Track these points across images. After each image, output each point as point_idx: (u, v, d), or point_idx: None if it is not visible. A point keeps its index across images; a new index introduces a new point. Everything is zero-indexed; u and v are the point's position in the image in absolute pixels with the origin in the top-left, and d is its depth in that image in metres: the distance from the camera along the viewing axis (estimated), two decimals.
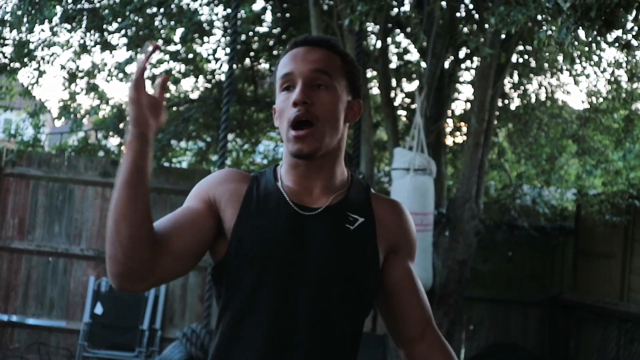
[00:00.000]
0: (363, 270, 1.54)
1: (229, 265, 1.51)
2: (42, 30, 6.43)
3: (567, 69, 6.37)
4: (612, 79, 6.14)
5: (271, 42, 7.22)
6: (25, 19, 6.07)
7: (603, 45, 4.64)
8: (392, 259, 1.60)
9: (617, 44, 3.15)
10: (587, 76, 6.37)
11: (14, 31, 6.30)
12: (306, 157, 1.53)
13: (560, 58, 5.51)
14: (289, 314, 1.47)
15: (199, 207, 1.53)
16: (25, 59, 6.54)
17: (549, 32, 2.89)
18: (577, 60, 5.90)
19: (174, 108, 7.51)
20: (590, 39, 2.90)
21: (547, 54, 5.38)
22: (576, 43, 2.96)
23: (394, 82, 7.01)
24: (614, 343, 6.26)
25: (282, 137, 1.58)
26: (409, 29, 5.92)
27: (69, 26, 6.48)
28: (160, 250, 1.42)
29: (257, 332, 1.47)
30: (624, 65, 5.72)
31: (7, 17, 6.13)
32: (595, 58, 5.84)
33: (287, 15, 6.88)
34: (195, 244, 1.49)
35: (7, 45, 6.39)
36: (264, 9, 7.19)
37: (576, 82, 6.46)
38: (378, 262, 1.57)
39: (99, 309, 6.44)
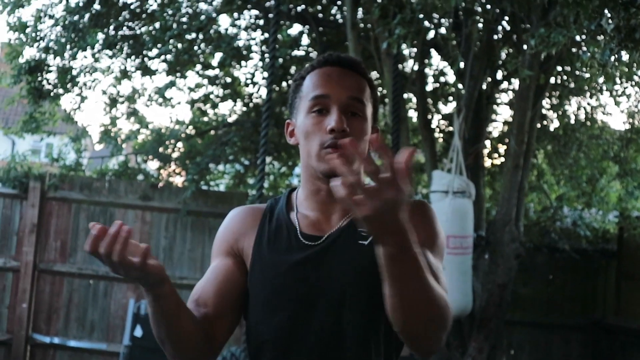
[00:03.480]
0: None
1: (248, 303, 1.54)
2: (85, 56, 6.59)
3: (607, 90, 6.30)
4: None
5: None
6: (68, 46, 6.21)
7: None
8: None
9: None
10: (628, 96, 6.28)
11: (58, 58, 6.45)
12: (337, 176, 1.28)
13: (601, 79, 5.45)
14: (301, 349, 1.47)
15: (227, 263, 1.56)
16: (68, 85, 6.68)
17: (592, 51, 2.86)
18: (618, 81, 5.83)
19: (212, 132, 7.58)
20: (634, 59, 2.87)
21: (587, 74, 5.33)
22: (617, 64, 2.93)
23: (430, 104, 7.01)
24: None
25: (305, 159, 1.55)
26: (446, 51, 5.92)
27: (110, 52, 6.63)
28: (213, 328, 1.49)
29: None
30: None
31: (51, 44, 6.29)
32: (637, 78, 5.76)
33: (324, 38, 6.93)
34: (239, 298, 1.54)
35: (51, 71, 6.54)
36: (301, 33, 7.25)
37: (617, 103, 6.38)
38: None
39: (138, 332, 6.49)
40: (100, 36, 6.33)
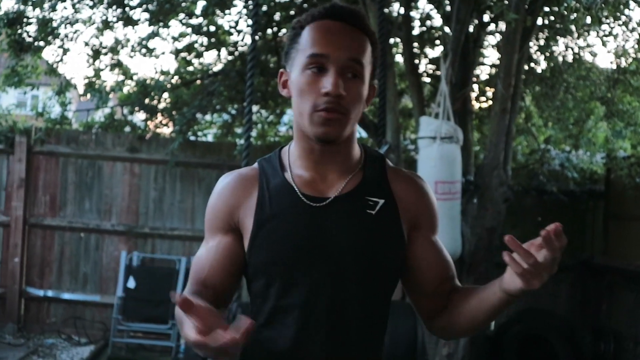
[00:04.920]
0: (390, 254, 1.51)
1: (252, 269, 1.52)
2: (65, 7, 6.44)
3: (595, 30, 6.24)
4: None
5: (293, 12, 7.16)
6: None
7: (632, 4, 4.54)
8: (414, 236, 1.56)
9: None
10: (615, 36, 6.23)
11: (37, 9, 6.32)
12: (331, 142, 1.47)
13: (588, 20, 5.40)
14: (312, 310, 1.46)
15: (228, 241, 1.53)
16: (49, 37, 6.56)
17: None
18: (605, 21, 5.77)
19: (198, 82, 7.50)
20: (619, 2, 2.84)
21: (574, 15, 5.28)
22: (604, 5, 2.89)
23: (417, 49, 6.94)
24: None
25: (296, 116, 1.50)
26: None
27: (90, 2, 6.48)
28: (219, 300, 1.51)
29: (285, 330, 1.48)
30: None
31: None
32: (624, 18, 5.71)
33: None
34: (240, 268, 1.54)
35: (31, 24, 6.41)
36: None
37: (604, 43, 6.33)
38: (404, 242, 1.54)
39: (131, 283, 6.54)
40: None
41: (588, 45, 6.66)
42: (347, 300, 1.47)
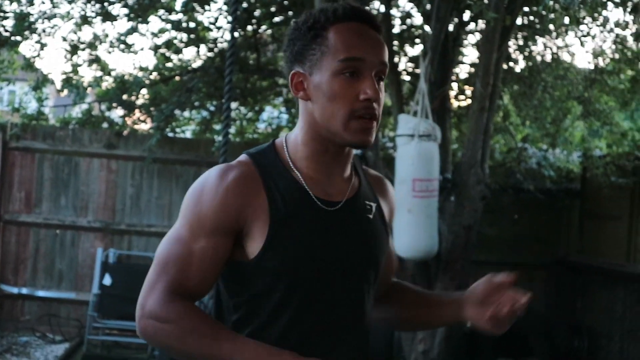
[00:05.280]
0: (384, 256, 1.56)
1: (261, 271, 1.42)
2: (42, 2, 6.39)
3: (572, 30, 6.29)
4: (618, 39, 6.07)
5: (273, 9, 7.14)
6: None
7: (609, 5, 4.59)
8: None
9: (624, 6, 3.10)
10: (593, 37, 6.29)
11: (14, 3, 6.25)
12: (366, 148, 1.50)
13: (566, 20, 5.44)
14: (330, 319, 1.45)
15: (224, 244, 1.41)
16: (27, 32, 6.49)
17: None
18: (583, 21, 5.83)
19: (177, 78, 7.46)
20: (597, 1, 2.86)
21: (552, 15, 5.31)
22: (582, 6, 2.92)
23: (397, 47, 6.95)
24: (620, 304, 6.29)
25: (322, 119, 1.43)
26: None
27: None
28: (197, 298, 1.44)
29: (301, 337, 1.43)
30: (630, 25, 5.65)
31: None
32: (601, 19, 5.76)
33: None
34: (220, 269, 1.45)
35: (7, 18, 6.34)
36: None
37: (582, 43, 6.38)
38: (389, 241, 1.61)
39: (107, 280, 6.49)
40: None
41: (566, 45, 6.72)
42: (358, 303, 1.49)
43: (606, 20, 5.78)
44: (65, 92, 7.39)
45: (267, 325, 1.42)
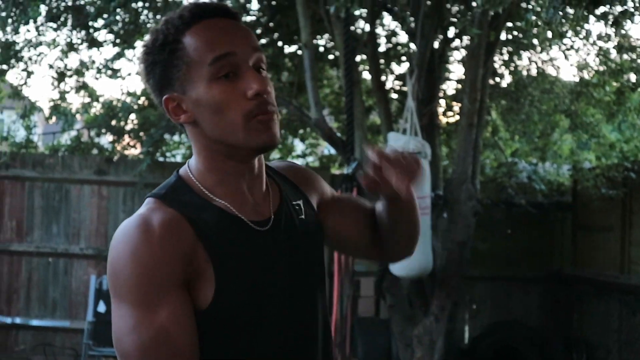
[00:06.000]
0: (322, 248, 1.45)
1: (220, 316, 1.23)
2: (28, 30, 6.39)
3: (556, 44, 6.35)
4: (602, 52, 6.13)
5: (259, 31, 7.18)
6: (9, 20, 6.02)
7: (591, 19, 4.63)
8: (324, 209, 1.49)
9: (605, 19, 3.13)
10: (577, 50, 6.35)
11: None
12: (273, 148, 1.32)
13: (549, 34, 5.48)
14: (294, 333, 1.33)
15: (187, 298, 1.20)
16: (13, 60, 6.49)
17: (537, 10, 2.87)
18: (566, 35, 5.88)
19: None
20: (578, 16, 2.89)
21: (535, 30, 5.36)
22: (564, 20, 2.94)
23: (384, 65, 6.99)
24: (616, 315, 6.29)
25: (217, 136, 1.26)
26: (396, 11, 5.88)
27: (54, 25, 6.43)
28: None
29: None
30: (612, 37, 5.70)
31: None
32: (584, 32, 5.81)
33: (273, 3, 6.83)
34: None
35: None
36: None
37: (566, 57, 6.44)
38: (324, 229, 1.48)
39: (102, 307, 6.44)
40: (43, 8, 6.14)
41: (551, 59, 6.78)
42: (315, 310, 1.38)
43: (589, 33, 5.84)
44: (54, 119, 7.38)
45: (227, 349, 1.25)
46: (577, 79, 6.74)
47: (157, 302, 1.16)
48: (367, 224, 1.54)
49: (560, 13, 2.55)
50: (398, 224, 1.50)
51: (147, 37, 1.29)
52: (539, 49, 6.48)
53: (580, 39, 5.98)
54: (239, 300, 1.24)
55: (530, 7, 3.11)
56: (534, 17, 2.69)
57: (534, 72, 6.82)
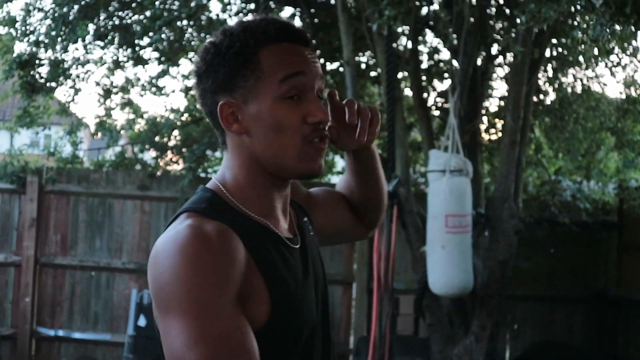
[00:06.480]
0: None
1: (274, 336, 1.20)
2: (76, 48, 6.54)
3: (602, 61, 6.26)
4: None
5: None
6: (59, 39, 6.18)
7: (639, 35, 4.55)
8: (318, 216, 1.52)
9: None
10: (624, 67, 6.25)
11: (49, 51, 6.41)
12: (317, 177, 1.32)
13: (595, 51, 5.41)
14: (325, 347, 1.34)
15: (241, 310, 1.15)
16: (61, 78, 6.65)
17: (583, 27, 2.84)
18: (613, 52, 5.80)
19: (208, 119, 7.55)
20: (626, 33, 2.85)
21: (581, 47, 5.29)
22: (610, 37, 2.90)
23: (426, 82, 6.97)
24: None
25: (268, 155, 1.26)
26: (439, 28, 5.87)
27: (101, 43, 6.59)
28: None
29: None
30: None
31: (42, 37, 6.25)
32: (631, 48, 5.73)
33: (316, 20, 6.88)
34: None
35: (42, 65, 6.50)
36: (293, 15, 7.20)
37: (612, 74, 6.35)
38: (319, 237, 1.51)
39: (142, 321, 6.50)
40: (91, 27, 6.29)
41: (597, 76, 6.68)
42: (330, 325, 1.39)
43: (636, 50, 5.75)
44: (99, 135, 7.52)
45: None
46: (623, 96, 6.63)
47: (219, 311, 1.11)
48: (345, 207, 1.61)
49: (608, 30, 2.52)
50: (364, 181, 1.56)
51: (218, 38, 1.27)
52: (584, 65, 6.40)
53: (628, 55, 5.89)
54: (291, 320, 1.22)
55: (576, 23, 3.09)
56: (580, 34, 2.65)
57: (579, 89, 6.73)
